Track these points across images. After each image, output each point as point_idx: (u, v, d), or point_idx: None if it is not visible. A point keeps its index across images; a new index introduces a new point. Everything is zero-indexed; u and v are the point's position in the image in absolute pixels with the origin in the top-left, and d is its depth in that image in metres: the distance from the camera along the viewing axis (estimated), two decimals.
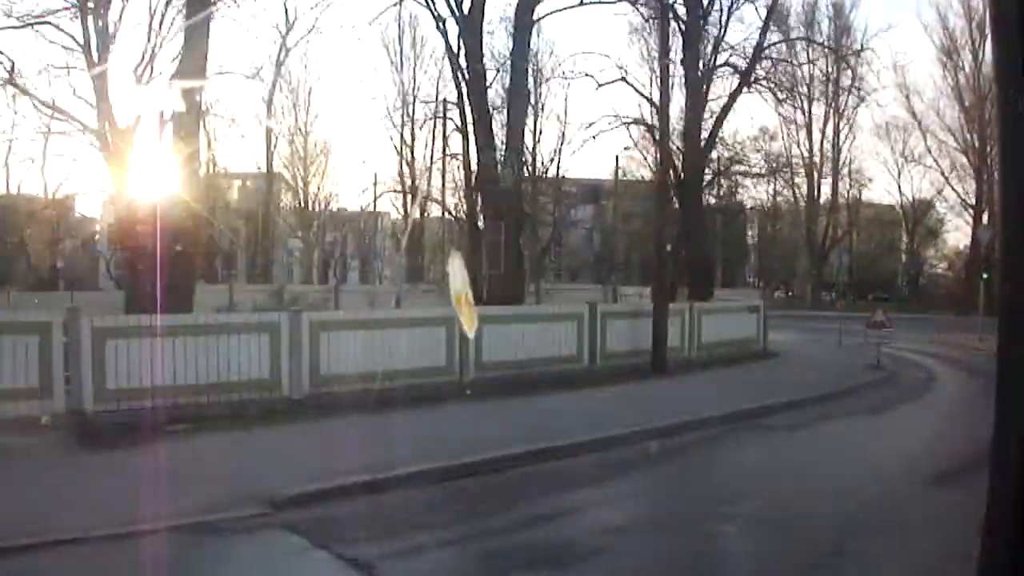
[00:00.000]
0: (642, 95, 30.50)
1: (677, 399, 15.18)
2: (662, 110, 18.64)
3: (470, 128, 19.70)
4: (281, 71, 46.43)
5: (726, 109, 26.06)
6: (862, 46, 46.31)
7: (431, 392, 14.90)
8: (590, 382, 16.76)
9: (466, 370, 16.22)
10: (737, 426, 13.09)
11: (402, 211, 51.26)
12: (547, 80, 48.14)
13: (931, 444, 11.95)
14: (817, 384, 17.00)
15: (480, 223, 21.15)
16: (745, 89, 25.80)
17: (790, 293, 61.73)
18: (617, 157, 40.62)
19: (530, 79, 25.66)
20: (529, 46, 17.69)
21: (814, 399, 15.57)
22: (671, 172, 23.62)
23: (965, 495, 9.10)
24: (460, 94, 20.02)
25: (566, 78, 39.75)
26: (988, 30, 1.69)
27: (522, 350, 16.93)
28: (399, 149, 49.54)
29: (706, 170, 28.44)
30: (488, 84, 19.03)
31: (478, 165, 19.52)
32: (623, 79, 25.90)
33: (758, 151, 50.77)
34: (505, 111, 19.15)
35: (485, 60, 19.29)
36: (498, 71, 21.84)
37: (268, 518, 8.04)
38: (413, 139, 49.94)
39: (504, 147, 18.00)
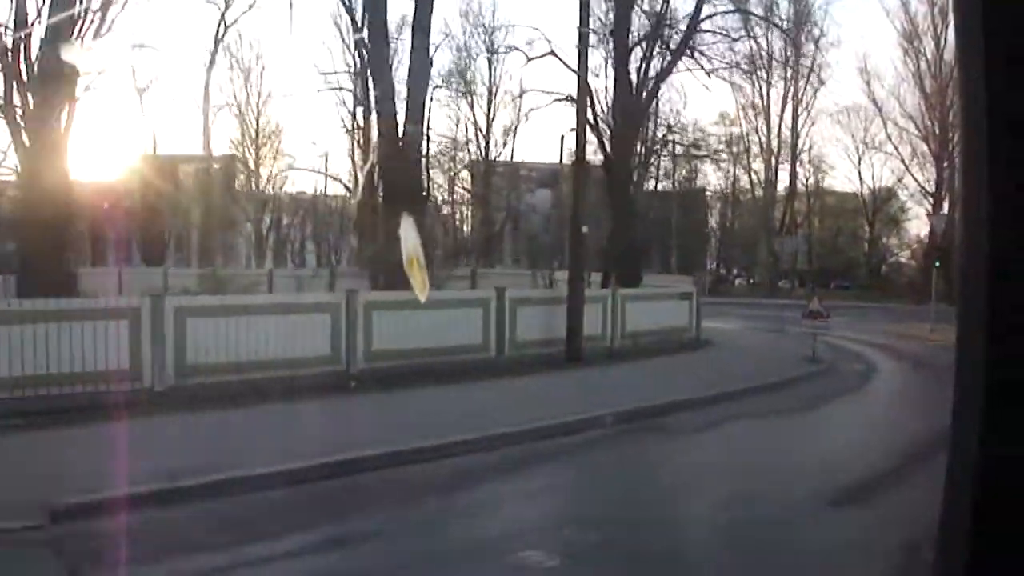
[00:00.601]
0: (571, 69, 28.35)
1: (580, 394, 13.60)
2: (580, 83, 16.89)
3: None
4: (219, 48, 43.94)
5: (658, 84, 24.22)
6: (821, 30, 45.02)
7: (312, 384, 13.41)
8: (493, 374, 15.20)
9: (353, 360, 14.58)
10: (634, 427, 11.52)
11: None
12: (497, 54, 46.59)
13: (848, 450, 10.39)
14: (742, 377, 15.45)
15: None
16: (679, 65, 24.10)
17: (752, 280, 60.44)
18: (563, 138, 38.53)
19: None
20: (432, 7, 15.94)
21: (734, 394, 14.01)
22: (603, 152, 22.06)
23: (868, 516, 7.63)
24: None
25: (495, 53, 37.53)
26: (951, 15, 1.52)
27: (420, 338, 15.29)
28: (351, 129, 47.45)
29: (638, 150, 26.04)
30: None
31: (377, 119, 17.58)
32: (552, 53, 23.91)
33: (702, 134, 49.59)
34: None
35: None
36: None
37: (36, 533, 6.73)
38: (366, 118, 47.88)
39: (407, 107, 16.20)
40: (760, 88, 50.14)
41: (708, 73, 24.35)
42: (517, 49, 26.43)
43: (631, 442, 10.70)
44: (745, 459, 9.83)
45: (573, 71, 26.81)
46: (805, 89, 50.21)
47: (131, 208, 46.97)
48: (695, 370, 16.54)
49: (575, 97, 26.33)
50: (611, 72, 24.84)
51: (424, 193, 18.91)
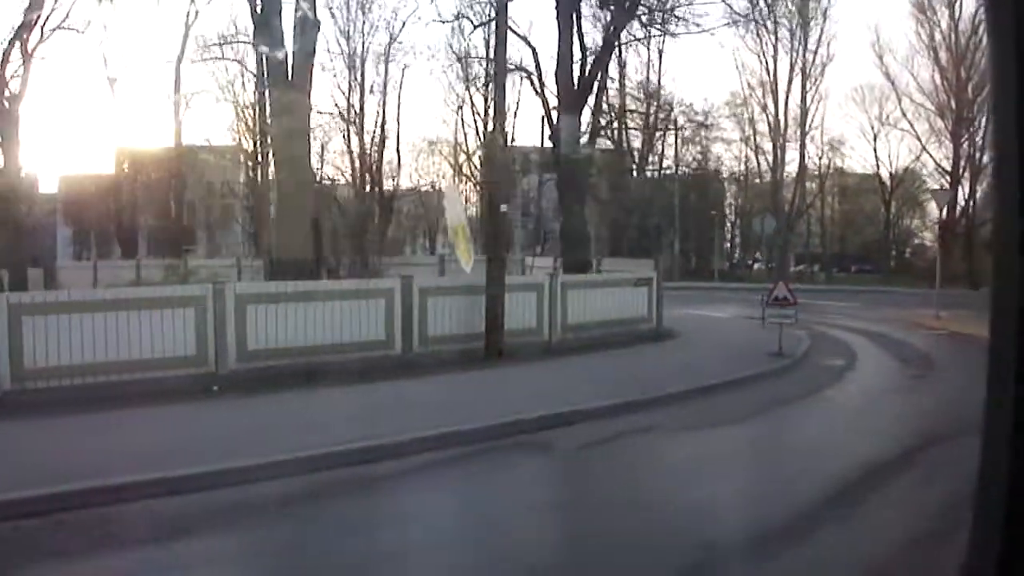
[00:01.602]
0: (517, 34, 25.60)
1: (469, 400, 11.28)
2: (498, 44, 14.40)
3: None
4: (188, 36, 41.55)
5: (607, 49, 21.28)
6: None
7: (174, 388, 11.40)
8: (392, 374, 12.98)
9: (223, 361, 12.40)
10: (507, 443, 9.21)
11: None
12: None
13: (753, 489, 7.57)
14: (683, 377, 12.98)
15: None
16: (651, 29, 21.41)
17: (771, 265, 57.44)
18: (542, 118, 35.71)
19: None
20: None
21: (659, 400, 11.55)
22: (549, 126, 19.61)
23: None
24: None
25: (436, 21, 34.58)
26: None
27: (308, 335, 13.12)
28: (345, 116, 45.27)
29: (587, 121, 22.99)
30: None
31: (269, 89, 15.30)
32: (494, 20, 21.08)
33: (708, 114, 46.69)
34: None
35: None
36: None
37: None
38: (362, 105, 45.64)
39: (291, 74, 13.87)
40: (767, 64, 47.17)
41: (674, 35, 21.54)
42: (464, 17, 23.56)
43: (477, 468, 8.34)
44: (604, 497, 7.40)
45: (522, 37, 24.36)
46: (814, 62, 47.11)
47: (119, 201, 45.53)
48: (633, 368, 14.09)
49: (523, 67, 23.97)
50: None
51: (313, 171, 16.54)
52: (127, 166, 48.38)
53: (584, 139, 21.06)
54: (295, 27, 13.69)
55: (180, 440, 8.60)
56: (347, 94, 44.27)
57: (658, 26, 22.52)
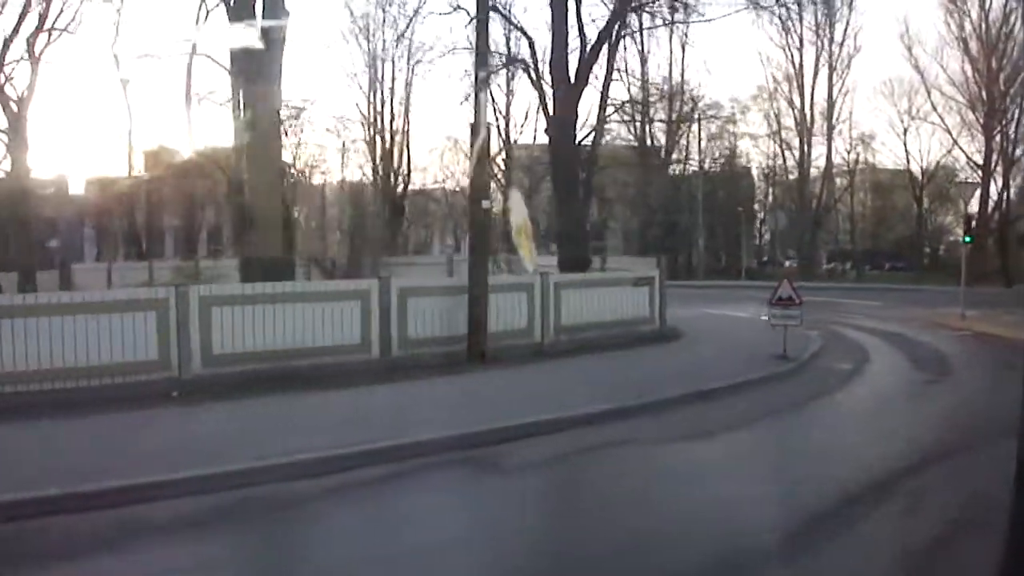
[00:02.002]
0: (511, 23, 24.50)
1: (438, 406, 10.59)
2: (479, 26, 13.55)
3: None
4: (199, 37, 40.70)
5: (603, 38, 20.13)
6: None
7: (134, 394, 10.89)
8: (367, 378, 12.31)
9: (186, 366, 11.79)
10: (452, 458, 8.40)
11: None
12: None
13: (711, 525, 6.54)
14: (674, 382, 12.09)
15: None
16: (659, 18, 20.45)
17: (803, 262, 56.02)
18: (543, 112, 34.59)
19: None
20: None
21: (644, 407, 10.70)
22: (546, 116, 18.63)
23: None
24: None
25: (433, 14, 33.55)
26: None
27: (279, 338, 12.48)
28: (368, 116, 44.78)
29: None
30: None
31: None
32: (494, 8, 20.19)
33: (735, 108, 45.36)
34: None
35: None
36: None
37: None
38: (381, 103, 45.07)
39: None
40: (792, 57, 45.86)
41: (676, 24, 20.52)
42: (461, 8, 22.59)
43: (401, 489, 7.43)
44: (536, 527, 6.59)
45: (518, 27, 23.33)
46: (840, 55, 45.72)
47: (146, 202, 45.40)
48: (625, 372, 13.24)
49: (518, 58, 22.92)
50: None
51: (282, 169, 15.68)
52: (152, 167, 48.36)
53: (585, 133, 20.12)
54: (262, 14, 13.07)
55: (92, 452, 7.99)
56: (368, 93, 43.81)
57: (660, 13, 21.51)
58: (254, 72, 13.56)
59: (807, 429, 10.53)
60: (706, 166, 49.41)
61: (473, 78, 13.69)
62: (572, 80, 18.58)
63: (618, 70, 24.74)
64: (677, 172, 50.55)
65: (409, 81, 43.89)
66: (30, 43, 24.33)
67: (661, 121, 45.03)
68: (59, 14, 25.48)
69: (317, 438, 8.45)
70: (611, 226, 52.88)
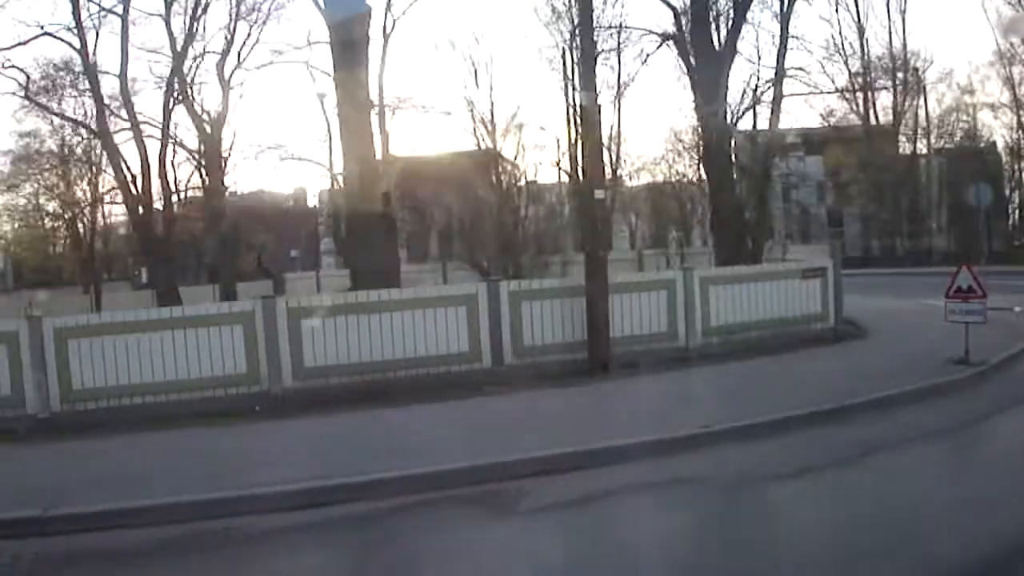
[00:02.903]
0: None
1: (512, 424, 9.09)
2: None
3: None
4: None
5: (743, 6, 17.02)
6: None
7: (223, 408, 10.58)
8: (471, 391, 10.99)
9: (276, 379, 11.12)
10: (461, 495, 6.91)
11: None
12: None
13: None
14: (821, 393, 9.76)
15: None
16: None
17: None
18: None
19: None
20: None
21: (770, 426, 8.62)
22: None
23: None
24: None
25: None
26: None
27: (378, 348, 11.53)
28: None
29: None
30: None
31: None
32: None
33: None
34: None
35: None
36: None
37: None
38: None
39: None
40: None
41: None
42: None
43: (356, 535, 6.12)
44: None
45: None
46: None
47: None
48: (774, 382, 10.98)
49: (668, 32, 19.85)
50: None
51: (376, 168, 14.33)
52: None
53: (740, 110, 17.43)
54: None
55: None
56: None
57: None
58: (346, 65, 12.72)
59: (971, 462, 7.94)
60: (942, 141, 43.70)
61: (580, 52, 11.82)
62: (717, 51, 16.04)
63: (795, 37, 21.28)
64: (909, 150, 45.17)
65: None
66: (220, 67, 25.17)
67: (881, 88, 40.07)
68: (245, 39, 26.30)
69: (320, 465, 7.34)
70: (850, 212, 48.44)
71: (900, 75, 41.08)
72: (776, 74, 17.65)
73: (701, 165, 18.93)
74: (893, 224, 44.76)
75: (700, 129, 16.69)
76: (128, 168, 24.25)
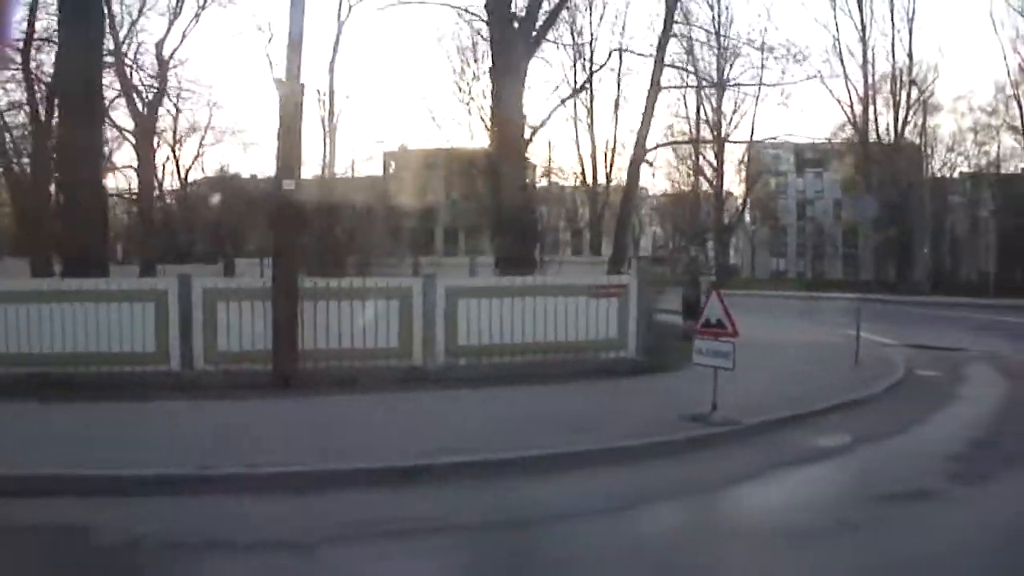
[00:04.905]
0: None
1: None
2: None
3: None
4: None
5: None
6: None
7: None
8: (146, 392, 9.77)
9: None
10: None
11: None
12: None
13: None
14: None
15: None
16: None
17: None
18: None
19: None
20: None
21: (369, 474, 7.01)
22: None
23: None
24: None
25: None
26: None
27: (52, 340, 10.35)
28: None
29: None
30: None
31: None
32: None
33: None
34: None
35: None
36: None
37: None
38: None
39: None
40: None
41: None
42: None
43: None
44: None
45: None
46: None
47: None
48: (431, 421, 9.22)
49: None
50: None
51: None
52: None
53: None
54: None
55: None
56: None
57: None
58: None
59: None
60: (957, 163, 40.24)
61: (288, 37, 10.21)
62: (521, 27, 13.58)
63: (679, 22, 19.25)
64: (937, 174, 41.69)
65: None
66: (158, 47, 24.52)
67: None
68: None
69: None
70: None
71: (904, 91, 37.80)
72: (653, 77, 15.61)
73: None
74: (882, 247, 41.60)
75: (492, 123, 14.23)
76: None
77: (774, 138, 36.17)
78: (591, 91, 36.85)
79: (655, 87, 19.92)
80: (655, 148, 31.84)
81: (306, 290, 10.74)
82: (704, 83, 26.35)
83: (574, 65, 29.12)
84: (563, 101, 28.88)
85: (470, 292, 11.84)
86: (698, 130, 42.03)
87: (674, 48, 24.93)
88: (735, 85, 33.32)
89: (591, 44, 32.00)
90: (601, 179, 40.56)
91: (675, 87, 29.49)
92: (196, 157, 35.67)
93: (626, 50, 24.04)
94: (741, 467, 7.90)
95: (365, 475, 6.97)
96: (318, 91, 33.06)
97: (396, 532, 5.92)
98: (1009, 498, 7.06)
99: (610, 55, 24.27)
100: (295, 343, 10.34)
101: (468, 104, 32.15)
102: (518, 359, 11.80)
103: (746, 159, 46.19)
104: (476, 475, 7.15)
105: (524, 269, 12.81)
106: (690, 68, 27.98)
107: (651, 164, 35.34)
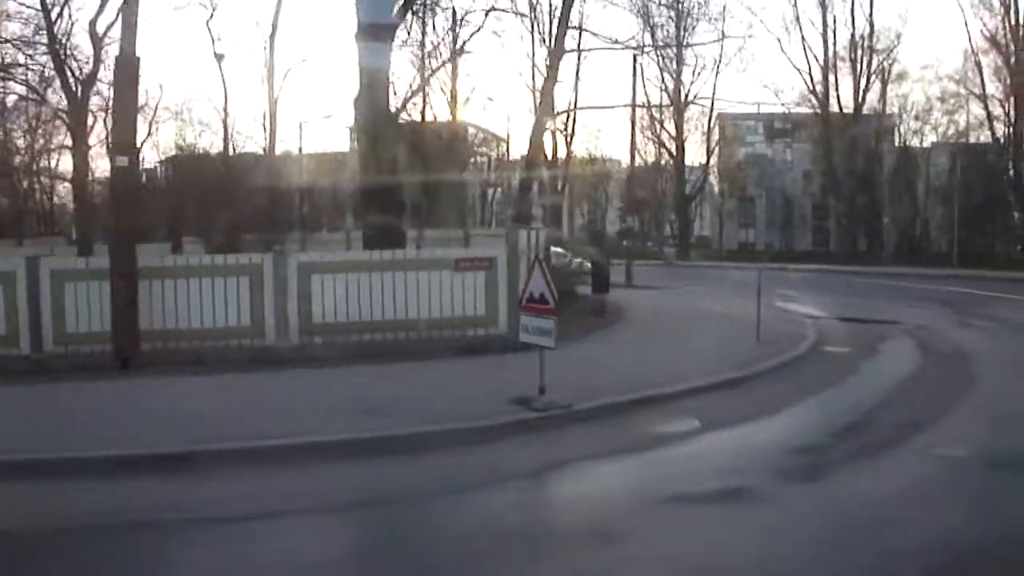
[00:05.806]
0: None
1: None
2: None
3: None
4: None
5: None
6: None
7: None
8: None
9: None
10: None
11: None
12: None
13: None
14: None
15: None
16: None
17: None
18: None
19: None
20: None
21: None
22: None
23: None
24: None
25: None
26: None
27: None
28: None
29: None
30: None
31: None
32: None
33: None
34: None
35: None
36: None
37: None
38: None
39: None
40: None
41: None
42: None
43: None
44: None
45: None
46: None
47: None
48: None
49: None
50: None
51: None
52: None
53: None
54: None
55: None
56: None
57: None
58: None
59: None
60: (925, 133, 39.82)
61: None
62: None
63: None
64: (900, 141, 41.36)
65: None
66: (92, 23, 24.40)
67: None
68: None
69: None
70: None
71: (866, 58, 37.37)
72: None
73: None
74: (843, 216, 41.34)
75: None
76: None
77: (730, 102, 36.18)
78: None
79: (558, 49, 20.76)
80: (566, 112, 32.67)
81: (150, 269, 10.76)
82: (620, 45, 26.23)
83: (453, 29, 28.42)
84: (434, 71, 29.31)
85: (325, 267, 11.79)
86: (650, 99, 41.86)
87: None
88: (663, 47, 33.02)
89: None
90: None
91: (588, 50, 29.43)
92: (148, 135, 35.44)
93: (498, 9, 23.89)
94: (534, 459, 7.29)
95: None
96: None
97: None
98: (827, 501, 6.28)
99: (487, 15, 24.02)
100: (134, 324, 10.40)
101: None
102: (379, 337, 11.84)
103: (706, 128, 46.22)
104: (237, 462, 6.99)
105: (392, 243, 12.66)
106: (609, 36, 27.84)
107: (563, 131, 35.76)
